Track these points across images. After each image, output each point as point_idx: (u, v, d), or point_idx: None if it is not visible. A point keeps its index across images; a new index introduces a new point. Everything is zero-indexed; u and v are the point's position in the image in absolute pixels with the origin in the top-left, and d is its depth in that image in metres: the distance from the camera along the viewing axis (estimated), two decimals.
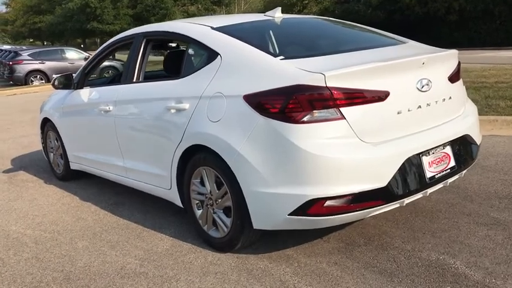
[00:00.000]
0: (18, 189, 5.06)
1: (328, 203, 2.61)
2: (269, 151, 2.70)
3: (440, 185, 3.00)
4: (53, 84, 4.68)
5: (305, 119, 2.59)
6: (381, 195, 2.66)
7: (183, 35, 3.52)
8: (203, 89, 3.11)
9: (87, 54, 18.88)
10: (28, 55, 18.81)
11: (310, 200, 2.61)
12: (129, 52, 4.03)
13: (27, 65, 18.33)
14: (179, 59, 3.55)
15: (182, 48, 4.44)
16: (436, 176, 2.90)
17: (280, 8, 3.73)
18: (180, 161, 3.31)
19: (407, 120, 2.82)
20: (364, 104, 2.66)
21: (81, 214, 4.17)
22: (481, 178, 4.18)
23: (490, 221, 3.33)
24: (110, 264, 3.18)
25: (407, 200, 2.81)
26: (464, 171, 3.19)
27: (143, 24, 4.51)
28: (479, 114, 6.11)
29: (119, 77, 4.47)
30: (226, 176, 2.95)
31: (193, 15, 28.24)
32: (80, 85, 4.59)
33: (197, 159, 3.18)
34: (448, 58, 3.18)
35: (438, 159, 2.93)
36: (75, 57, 18.97)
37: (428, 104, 2.92)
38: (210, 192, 3.17)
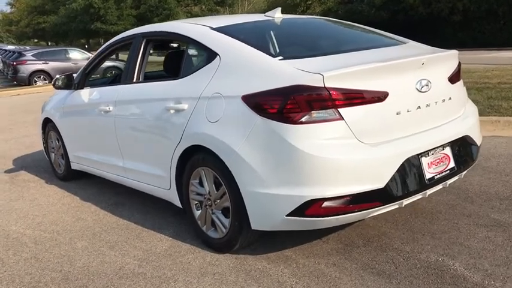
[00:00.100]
0: (20, 189, 5.07)
1: (326, 204, 2.60)
2: (267, 152, 2.69)
3: (439, 186, 2.99)
4: (54, 85, 4.69)
5: (303, 119, 2.59)
6: (379, 196, 2.65)
7: (182, 35, 3.52)
8: (202, 89, 3.11)
9: (91, 55, 18.91)
10: (32, 55, 18.86)
11: (308, 201, 2.60)
12: (129, 52, 4.03)
13: (30, 65, 18.38)
14: (179, 60, 3.55)
15: (182, 48, 4.43)
16: (436, 177, 2.88)
17: (280, 8, 3.72)
18: (179, 162, 3.31)
19: (407, 121, 2.80)
20: (363, 104, 2.65)
21: (81, 214, 4.17)
22: (482, 179, 4.16)
23: (490, 222, 3.31)
24: (108, 265, 3.18)
25: (406, 201, 2.80)
26: (464, 172, 3.17)
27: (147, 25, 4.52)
28: (482, 115, 6.15)
29: (119, 78, 4.47)
30: (225, 177, 2.94)
31: (196, 15, 28.29)
32: (80, 85, 4.60)
33: (196, 159, 3.17)
34: (448, 59, 3.16)
35: (438, 160, 2.91)
36: (78, 57, 19.01)
37: (427, 105, 2.90)
38: (209, 192, 3.16)
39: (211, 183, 3.12)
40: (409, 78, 2.83)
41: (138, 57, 3.90)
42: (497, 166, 4.50)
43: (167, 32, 3.77)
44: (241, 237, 3.01)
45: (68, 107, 4.73)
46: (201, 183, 3.22)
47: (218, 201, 3.10)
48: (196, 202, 3.32)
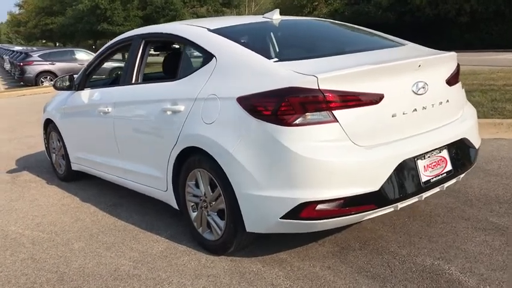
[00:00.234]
0: (21, 189, 5.09)
1: (319, 206, 2.58)
2: (261, 154, 2.68)
3: (436, 189, 2.96)
4: (54, 85, 4.70)
5: (297, 121, 2.57)
6: (374, 199, 2.63)
7: (179, 36, 3.52)
8: (198, 90, 3.10)
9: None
10: (38, 56, 18.99)
11: (302, 204, 2.58)
12: (128, 54, 4.04)
13: (37, 66, 18.51)
14: (176, 61, 3.55)
15: (181, 50, 4.44)
16: (432, 180, 2.86)
17: (278, 10, 3.71)
18: (176, 163, 3.30)
19: (402, 123, 2.78)
20: (358, 106, 2.63)
21: (80, 215, 4.18)
22: (483, 182, 4.12)
23: (488, 226, 3.28)
24: (104, 266, 3.18)
25: (401, 205, 2.78)
26: (462, 175, 3.14)
27: None
28: (485, 117, 6.11)
29: (119, 79, 4.48)
30: (220, 179, 2.93)
31: (202, 16, 28.33)
32: (81, 86, 4.61)
33: (192, 161, 3.17)
34: (446, 61, 3.13)
35: (434, 163, 2.89)
36: (84, 58, 19.10)
37: (424, 107, 2.88)
38: (205, 194, 3.15)
39: (207, 185, 3.11)
40: (405, 80, 2.81)
41: (136, 59, 3.90)
42: (498, 169, 4.46)
43: (165, 34, 3.78)
44: (236, 239, 2.99)
45: (69, 108, 4.75)
46: (197, 185, 3.22)
47: (213, 203, 3.09)
48: (193, 204, 3.31)
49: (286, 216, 2.65)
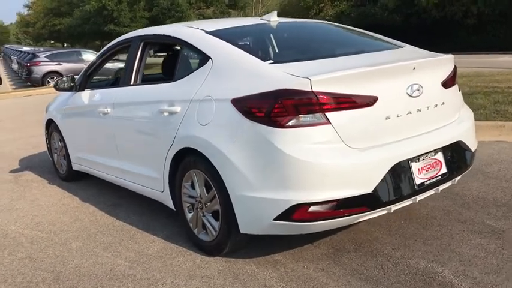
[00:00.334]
0: (22, 189, 5.13)
1: (312, 208, 2.58)
2: (255, 155, 2.69)
3: (431, 192, 2.96)
4: (55, 86, 4.74)
5: (290, 123, 2.58)
6: (367, 202, 2.63)
7: (177, 38, 3.54)
8: (194, 92, 3.12)
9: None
10: (45, 57, 19.13)
11: (294, 205, 2.59)
12: (127, 55, 4.06)
13: (44, 66, 18.64)
14: (174, 62, 3.57)
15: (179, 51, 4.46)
16: (426, 183, 2.85)
17: (276, 12, 3.72)
18: (172, 164, 3.32)
19: (396, 126, 2.78)
20: (351, 109, 2.63)
21: (79, 215, 4.21)
22: (481, 185, 4.10)
23: (484, 229, 3.26)
24: (100, 266, 3.20)
25: (394, 207, 2.78)
26: (457, 178, 3.13)
27: None
28: (487, 119, 6.08)
29: (119, 80, 4.50)
30: (215, 180, 2.95)
31: (208, 18, 28.44)
32: (81, 87, 4.64)
33: (188, 162, 3.18)
34: (442, 63, 3.13)
35: (429, 166, 2.89)
36: (91, 59, 19.10)
37: (419, 110, 2.87)
38: (200, 195, 3.17)
39: (202, 186, 3.13)
40: (399, 82, 2.81)
41: (135, 60, 3.93)
42: (498, 172, 4.44)
43: (163, 35, 3.80)
44: (230, 240, 3.00)
45: (69, 109, 4.79)
46: (193, 186, 3.23)
47: (209, 204, 3.11)
48: (189, 205, 3.33)
49: (279, 217, 2.65)
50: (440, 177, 2.94)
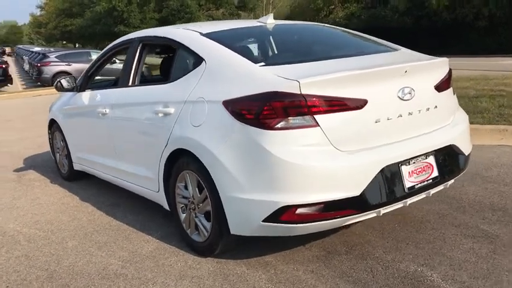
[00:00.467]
0: (25, 188, 5.20)
1: (299, 210, 2.59)
2: (244, 157, 2.70)
3: (422, 195, 2.95)
4: (56, 87, 4.79)
5: (279, 125, 2.59)
6: (355, 204, 2.63)
7: (173, 40, 3.57)
8: (188, 93, 3.14)
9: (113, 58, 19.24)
10: (55, 57, 19.32)
11: (282, 207, 2.60)
12: (126, 56, 4.10)
13: (54, 66, 18.82)
14: (170, 64, 3.60)
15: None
16: (416, 186, 2.85)
17: (272, 14, 3.74)
18: (167, 165, 3.35)
19: (387, 129, 2.78)
20: (340, 111, 2.64)
21: (78, 214, 4.25)
22: (479, 189, 4.08)
23: (478, 233, 3.25)
24: (93, 265, 3.24)
25: (384, 210, 2.77)
26: (450, 182, 3.12)
27: None
28: (490, 123, 6.03)
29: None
30: (207, 181, 2.97)
31: (218, 19, 28.55)
32: (82, 88, 4.69)
33: (181, 163, 3.21)
34: (436, 66, 3.12)
35: (420, 169, 2.88)
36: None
37: (410, 113, 2.87)
38: (193, 196, 3.19)
39: (195, 187, 3.15)
40: (391, 86, 2.81)
41: (134, 61, 3.96)
42: (497, 176, 4.41)
43: (160, 37, 3.83)
44: (222, 241, 3.02)
45: (70, 109, 4.84)
46: (186, 187, 3.26)
47: (201, 205, 3.13)
48: (182, 205, 3.35)
49: (268, 219, 2.67)
50: (431, 180, 2.93)
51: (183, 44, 3.43)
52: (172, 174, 3.33)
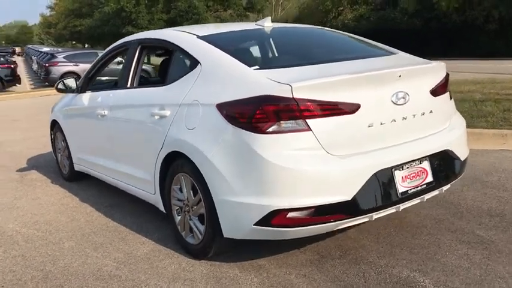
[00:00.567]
0: (26, 188, 5.24)
1: (290, 214, 2.59)
2: (237, 160, 2.71)
3: (416, 201, 2.94)
4: (56, 88, 4.82)
5: (271, 129, 2.59)
6: (346, 209, 2.63)
7: (170, 42, 3.58)
8: (183, 96, 3.15)
9: (121, 58, 19.32)
10: (63, 57, 19.43)
11: (273, 211, 2.60)
12: (125, 58, 4.12)
13: (62, 67, 18.92)
14: (167, 66, 3.61)
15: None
16: (410, 192, 2.83)
17: (269, 17, 3.73)
18: (162, 167, 3.36)
19: (380, 133, 2.77)
20: (332, 116, 2.63)
21: (76, 215, 4.28)
22: (478, 194, 4.05)
23: (473, 239, 3.22)
24: (88, 266, 3.25)
25: (376, 215, 2.76)
26: (445, 187, 3.11)
27: None
28: (494, 127, 5.98)
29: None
30: (201, 184, 2.97)
31: (225, 20, 28.58)
32: (83, 89, 4.72)
33: (176, 165, 3.22)
34: (431, 71, 3.10)
35: (413, 174, 2.86)
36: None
37: (404, 118, 2.86)
38: (187, 198, 3.20)
39: (189, 190, 3.16)
40: (384, 90, 2.80)
41: (132, 63, 3.98)
42: (497, 181, 4.37)
43: (158, 39, 3.85)
44: (215, 244, 3.03)
45: (71, 110, 4.88)
46: (181, 189, 3.26)
47: (195, 207, 3.14)
48: (177, 207, 3.36)
49: (259, 223, 2.67)
50: (425, 186, 2.91)
51: (179, 47, 3.44)
52: (168, 177, 3.34)
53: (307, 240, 3.21)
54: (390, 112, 2.80)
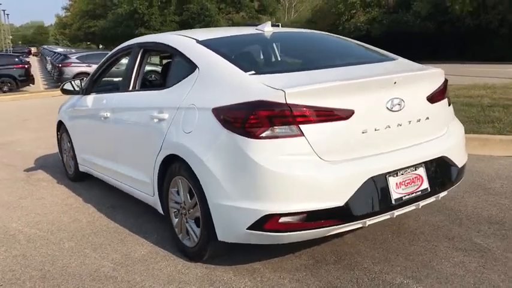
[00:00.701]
0: (32, 187, 5.31)
1: (283, 219, 2.60)
2: (231, 164, 2.73)
3: (411, 207, 2.93)
4: (61, 89, 4.89)
5: (264, 134, 2.61)
6: (338, 215, 2.63)
7: (170, 46, 3.62)
8: (181, 100, 3.18)
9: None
10: (76, 58, 19.63)
11: (265, 216, 2.61)
12: (127, 61, 4.17)
13: (74, 67, 19.10)
14: (168, 70, 3.65)
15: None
16: (404, 198, 2.83)
17: (270, 22, 3.75)
18: (161, 169, 3.39)
19: (374, 139, 2.77)
20: (325, 122, 2.64)
21: (79, 215, 4.33)
22: (479, 201, 4.02)
23: (470, 246, 3.20)
24: (86, 266, 3.29)
25: (370, 221, 2.76)
26: (441, 194, 3.09)
27: None
28: (500, 133, 5.92)
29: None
30: (196, 187, 3.00)
31: (237, 23, 28.67)
32: (88, 91, 4.78)
33: (173, 168, 3.25)
34: (428, 77, 3.10)
35: (408, 181, 2.86)
36: (121, 61, 19.58)
37: (399, 124, 2.85)
38: (184, 201, 3.23)
39: (186, 193, 3.18)
40: (379, 96, 2.80)
41: (134, 66, 4.03)
42: (500, 188, 4.34)
43: (158, 43, 3.89)
44: (210, 247, 3.05)
45: (76, 111, 4.95)
46: (178, 192, 3.29)
47: (191, 210, 3.16)
48: (175, 210, 3.39)
49: (252, 227, 2.68)
50: (420, 192, 2.90)
51: (179, 51, 3.47)
52: (166, 179, 3.37)
53: (302, 244, 3.22)
54: (385, 118, 2.80)
